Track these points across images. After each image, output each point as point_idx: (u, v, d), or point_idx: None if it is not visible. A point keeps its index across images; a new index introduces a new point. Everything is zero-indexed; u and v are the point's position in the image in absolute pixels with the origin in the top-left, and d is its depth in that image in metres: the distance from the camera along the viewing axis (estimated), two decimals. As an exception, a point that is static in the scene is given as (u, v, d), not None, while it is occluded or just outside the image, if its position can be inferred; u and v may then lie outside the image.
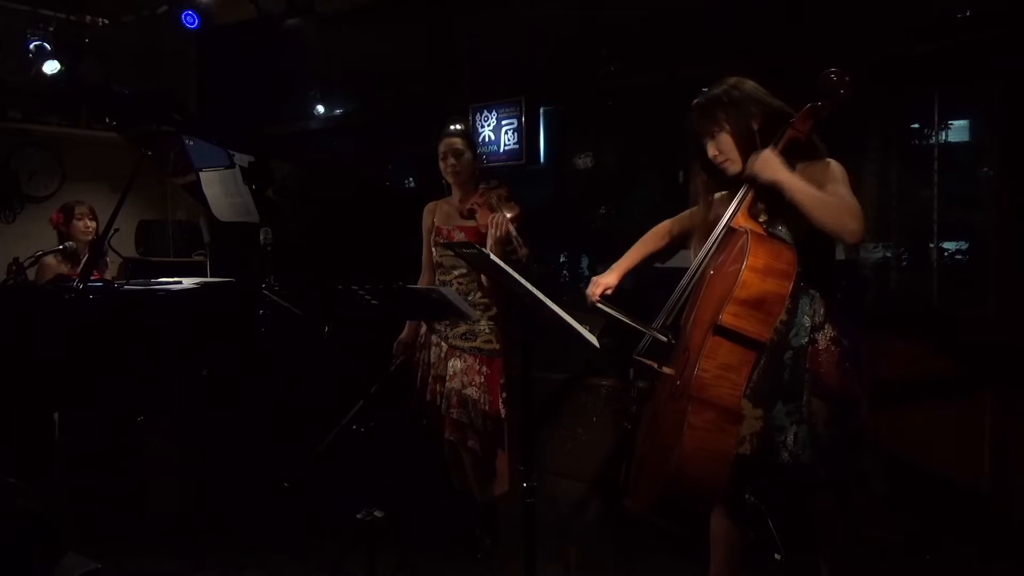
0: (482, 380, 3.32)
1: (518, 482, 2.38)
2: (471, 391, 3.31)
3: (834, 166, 2.19)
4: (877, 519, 3.03)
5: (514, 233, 3.07)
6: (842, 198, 2.10)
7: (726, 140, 2.25)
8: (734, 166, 2.27)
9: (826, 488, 2.19)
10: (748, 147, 2.23)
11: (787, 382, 2.15)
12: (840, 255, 2.33)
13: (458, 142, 3.35)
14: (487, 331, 3.36)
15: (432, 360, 3.41)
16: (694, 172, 2.42)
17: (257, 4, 5.16)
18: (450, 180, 3.39)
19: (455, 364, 3.33)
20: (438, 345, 3.40)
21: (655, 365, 2.26)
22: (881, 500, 2.18)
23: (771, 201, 2.22)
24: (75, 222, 4.40)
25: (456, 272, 3.36)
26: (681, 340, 2.27)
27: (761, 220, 2.25)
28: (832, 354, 2.16)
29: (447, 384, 3.33)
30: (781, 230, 2.22)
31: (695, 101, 2.31)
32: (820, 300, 2.19)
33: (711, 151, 2.29)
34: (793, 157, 2.22)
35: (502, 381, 3.41)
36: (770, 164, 2.13)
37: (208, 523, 3.60)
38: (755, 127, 2.22)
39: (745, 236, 2.12)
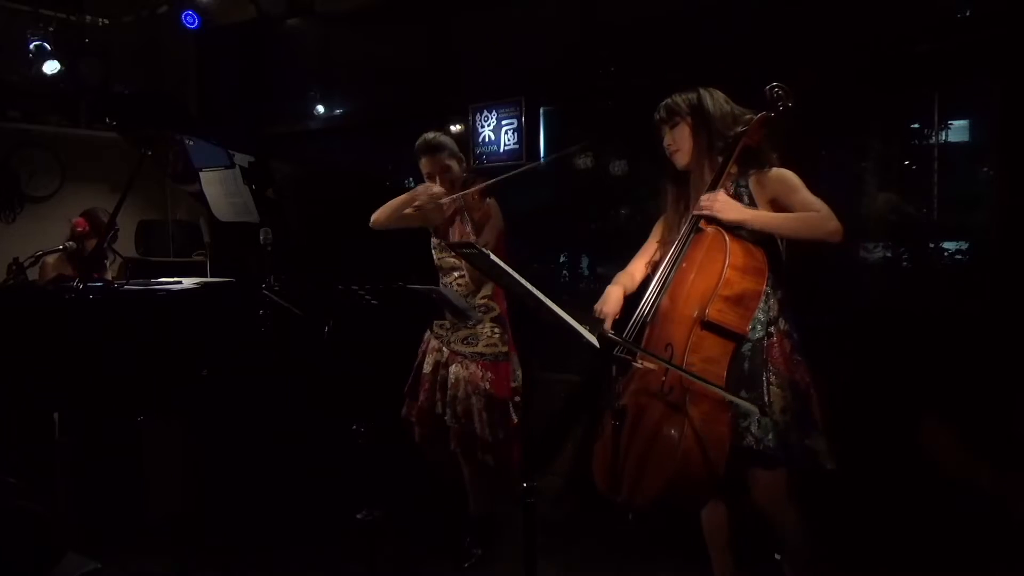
0: (487, 387, 3.14)
1: (518, 482, 2.37)
2: (475, 401, 3.14)
3: (787, 174, 2.32)
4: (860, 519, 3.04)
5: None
6: (812, 209, 2.23)
7: (683, 131, 2.40)
8: (683, 157, 2.42)
9: (776, 469, 2.28)
10: (700, 144, 2.38)
11: (747, 372, 2.28)
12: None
13: (443, 158, 3.19)
14: (490, 334, 3.20)
15: (433, 366, 3.27)
16: (664, 185, 2.55)
17: (257, 4, 5.17)
18: None
19: (457, 371, 3.18)
20: (439, 350, 3.27)
21: (638, 362, 2.29)
22: (832, 478, 2.26)
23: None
24: (91, 240, 4.43)
25: (456, 274, 3.25)
26: (656, 337, 2.33)
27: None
28: (785, 346, 2.30)
29: (448, 392, 3.19)
30: (742, 232, 2.31)
31: (667, 99, 2.45)
32: (774, 296, 2.33)
33: (666, 140, 2.44)
34: (746, 164, 2.36)
35: (514, 384, 3.22)
36: (729, 207, 2.27)
37: (208, 523, 3.60)
38: (712, 129, 2.36)
39: (719, 236, 2.26)
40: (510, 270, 2.16)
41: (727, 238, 2.24)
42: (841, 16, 3.49)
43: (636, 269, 2.60)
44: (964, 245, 3.57)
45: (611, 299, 2.50)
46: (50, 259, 4.53)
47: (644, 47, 4.14)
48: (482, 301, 3.22)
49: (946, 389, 3.21)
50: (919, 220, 3.58)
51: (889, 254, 3.69)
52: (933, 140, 3.53)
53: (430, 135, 3.26)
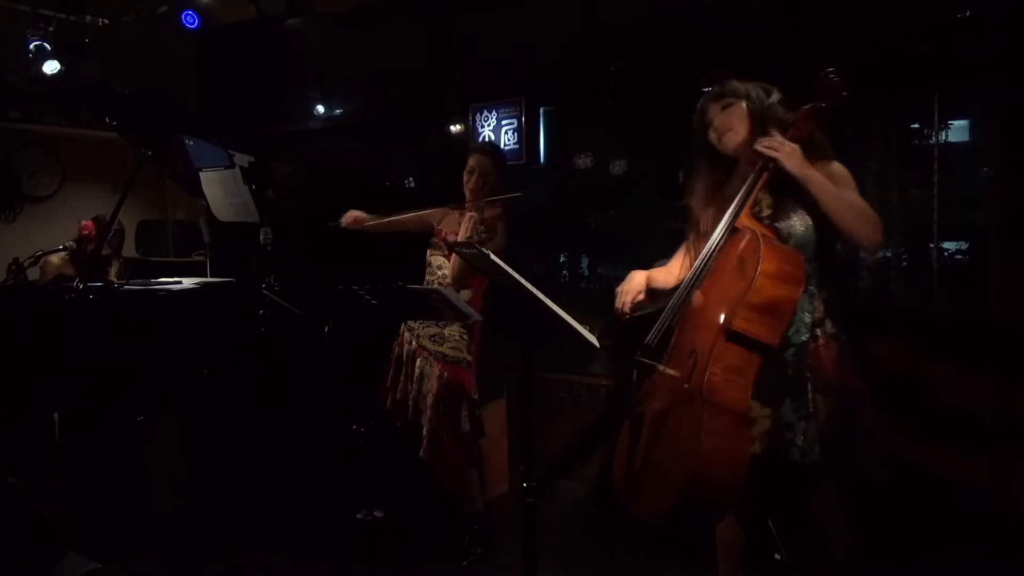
0: (438, 388, 3.19)
1: (518, 482, 2.37)
2: (429, 398, 3.19)
3: (840, 169, 2.18)
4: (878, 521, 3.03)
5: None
6: (865, 205, 2.10)
7: (739, 110, 2.25)
8: (735, 138, 2.26)
9: (828, 482, 2.17)
10: (755, 127, 2.22)
11: (791, 379, 2.14)
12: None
13: (488, 163, 3.25)
14: (458, 338, 3.24)
15: (404, 358, 3.32)
16: (698, 174, 2.40)
17: (257, 4, 5.17)
18: (466, 193, 3.28)
19: (421, 364, 3.24)
20: (409, 343, 3.31)
21: (660, 367, 2.22)
22: (883, 489, 2.15)
23: (777, 194, 2.21)
24: (91, 244, 4.45)
25: (440, 273, 3.29)
26: (682, 341, 2.23)
27: (765, 215, 2.22)
28: (832, 349, 2.15)
29: (413, 386, 3.24)
30: (786, 223, 2.19)
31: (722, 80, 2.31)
32: (819, 296, 2.18)
33: (716, 120, 2.27)
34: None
35: (474, 396, 3.26)
36: (797, 157, 2.11)
37: (208, 523, 3.60)
38: (766, 114, 2.23)
39: (754, 239, 2.11)
40: (511, 270, 2.16)
41: (761, 241, 2.09)
42: (841, 16, 3.49)
43: (673, 265, 2.49)
44: (964, 245, 3.57)
45: (633, 280, 2.41)
46: (53, 259, 4.54)
47: (644, 47, 4.14)
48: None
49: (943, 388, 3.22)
50: (920, 220, 3.58)
51: (888, 254, 3.69)
52: (933, 140, 3.53)
53: (494, 144, 3.42)
